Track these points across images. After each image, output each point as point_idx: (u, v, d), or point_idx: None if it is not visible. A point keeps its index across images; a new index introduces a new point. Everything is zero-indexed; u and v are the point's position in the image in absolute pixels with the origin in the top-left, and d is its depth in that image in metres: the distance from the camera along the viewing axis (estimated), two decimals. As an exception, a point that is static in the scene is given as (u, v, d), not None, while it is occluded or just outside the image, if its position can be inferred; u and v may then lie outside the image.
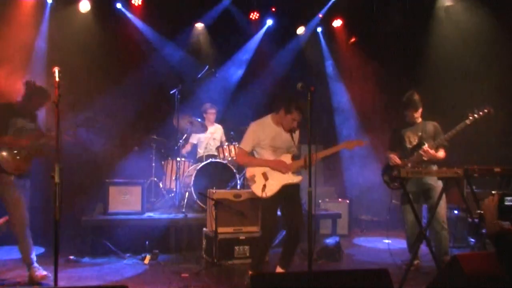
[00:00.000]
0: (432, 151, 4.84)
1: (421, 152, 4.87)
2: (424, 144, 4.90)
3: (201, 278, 4.59)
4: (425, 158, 4.86)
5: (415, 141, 5.05)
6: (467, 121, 4.62)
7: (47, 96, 4.50)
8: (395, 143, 5.23)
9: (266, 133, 4.31)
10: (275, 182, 4.26)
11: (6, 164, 4.31)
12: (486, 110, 4.57)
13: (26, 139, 4.38)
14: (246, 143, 4.34)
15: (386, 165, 5.17)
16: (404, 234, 5.39)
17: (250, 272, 4.33)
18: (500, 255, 2.22)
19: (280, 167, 4.27)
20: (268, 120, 4.39)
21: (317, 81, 8.37)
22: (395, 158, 5.06)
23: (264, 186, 4.23)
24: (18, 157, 4.36)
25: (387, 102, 7.93)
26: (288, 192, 4.30)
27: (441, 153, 4.94)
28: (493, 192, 2.39)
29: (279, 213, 4.45)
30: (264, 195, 4.22)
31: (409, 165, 4.92)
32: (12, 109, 4.45)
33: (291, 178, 4.30)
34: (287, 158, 4.35)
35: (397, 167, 4.79)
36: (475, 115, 4.59)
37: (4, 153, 4.32)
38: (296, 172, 4.40)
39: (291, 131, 4.35)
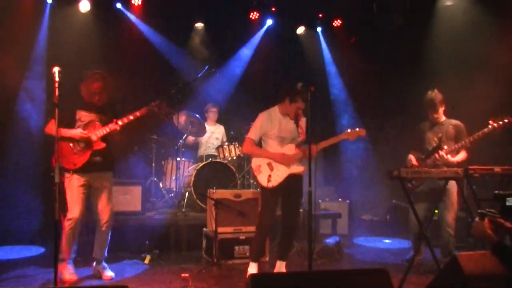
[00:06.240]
0: (446, 157, 4.78)
1: (436, 156, 4.82)
2: (441, 148, 4.83)
3: (201, 278, 4.60)
4: (439, 163, 4.82)
5: (435, 142, 4.97)
6: (485, 130, 4.57)
7: (95, 78, 4.38)
8: (416, 143, 5.17)
9: (273, 123, 4.44)
10: (280, 172, 4.36)
11: (64, 160, 4.25)
12: (506, 120, 4.48)
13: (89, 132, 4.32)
14: (253, 133, 4.49)
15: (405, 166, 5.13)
16: (404, 232, 5.41)
17: (250, 265, 4.45)
18: (505, 264, 2.23)
19: (282, 161, 4.36)
20: (275, 110, 4.51)
21: (317, 81, 8.37)
22: (412, 160, 5.03)
23: (270, 176, 4.34)
24: (74, 151, 4.31)
25: (388, 102, 7.93)
26: (290, 183, 4.40)
27: (459, 156, 4.87)
28: (481, 211, 2.38)
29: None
30: (269, 185, 4.32)
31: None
32: (79, 101, 4.40)
33: (295, 168, 4.40)
34: (290, 148, 4.42)
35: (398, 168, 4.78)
36: (495, 124, 4.52)
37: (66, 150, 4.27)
38: (300, 161, 4.47)
39: (296, 119, 4.46)
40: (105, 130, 4.39)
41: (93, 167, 4.40)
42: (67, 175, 4.33)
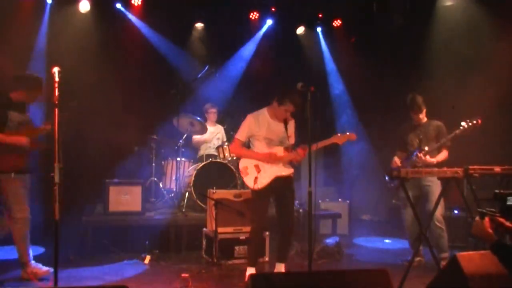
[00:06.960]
0: (424, 158, 4.86)
1: (414, 157, 4.90)
2: (421, 149, 4.92)
3: (201, 278, 4.60)
4: (418, 164, 4.90)
5: (416, 144, 5.06)
6: (457, 131, 4.66)
7: (41, 84, 4.49)
8: (400, 145, 5.27)
9: (261, 125, 4.41)
10: (267, 174, 4.35)
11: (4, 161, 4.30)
12: (475, 122, 4.57)
13: (26, 134, 4.37)
14: (241, 134, 4.47)
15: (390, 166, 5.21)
16: (404, 233, 5.42)
17: (248, 269, 4.41)
18: (504, 262, 2.23)
19: (270, 160, 4.35)
20: (264, 112, 4.49)
21: (317, 81, 8.35)
22: (396, 161, 5.13)
23: (256, 178, 4.32)
24: (15, 153, 4.35)
25: (387, 103, 7.92)
26: (280, 185, 4.39)
27: (439, 156, 4.96)
28: (481, 210, 2.38)
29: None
30: (256, 187, 4.31)
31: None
32: (9, 101, 4.42)
33: (282, 170, 4.39)
34: (279, 150, 4.42)
35: (397, 168, 4.81)
36: (465, 125, 4.61)
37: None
38: (288, 164, 4.46)
39: (285, 122, 4.44)
40: (42, 131, 4.49)
41: (30, 167, 4.54)
42: (6, 177, 4.33)
